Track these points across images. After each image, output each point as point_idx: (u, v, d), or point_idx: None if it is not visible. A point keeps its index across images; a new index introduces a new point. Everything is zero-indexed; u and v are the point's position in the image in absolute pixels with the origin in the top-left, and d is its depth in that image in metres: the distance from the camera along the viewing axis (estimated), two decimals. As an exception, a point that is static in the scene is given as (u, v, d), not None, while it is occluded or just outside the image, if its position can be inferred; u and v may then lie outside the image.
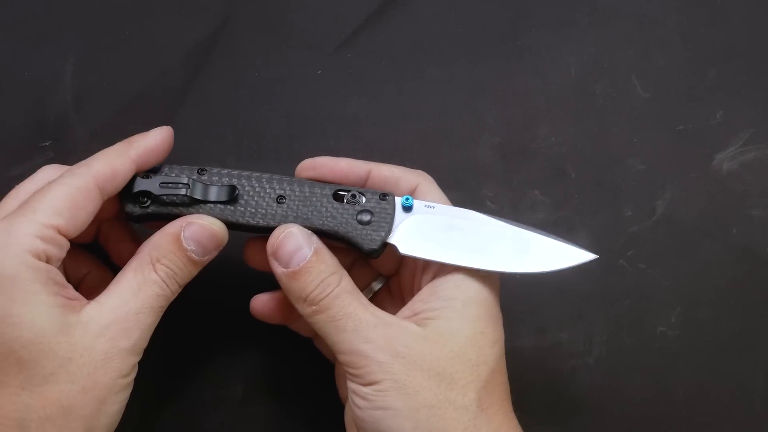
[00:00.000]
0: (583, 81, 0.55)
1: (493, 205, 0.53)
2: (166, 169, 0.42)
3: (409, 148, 0.53)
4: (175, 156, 0.43)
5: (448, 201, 0.44)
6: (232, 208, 0.42)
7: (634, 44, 0.55)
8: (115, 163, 0.40)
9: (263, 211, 0.42)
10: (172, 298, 0.40)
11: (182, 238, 0.40)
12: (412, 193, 0.43)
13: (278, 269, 0.41)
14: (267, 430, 0.49)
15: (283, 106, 0.53)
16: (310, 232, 0.41)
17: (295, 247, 0.40)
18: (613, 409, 0.50)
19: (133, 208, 0.42)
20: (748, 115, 0.55)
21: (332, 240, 0.42)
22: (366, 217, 0.42)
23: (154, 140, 0.42)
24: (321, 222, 0.42)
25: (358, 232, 0.42)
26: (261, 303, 0.45)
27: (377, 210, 0.42)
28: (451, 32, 0.55)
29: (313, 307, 0.40)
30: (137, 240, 0.45)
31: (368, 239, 0.41)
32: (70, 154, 0.44)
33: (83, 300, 0.38)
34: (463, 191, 0.52)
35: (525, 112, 0.54)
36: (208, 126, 0.52)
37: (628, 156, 0.54)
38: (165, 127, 0.42)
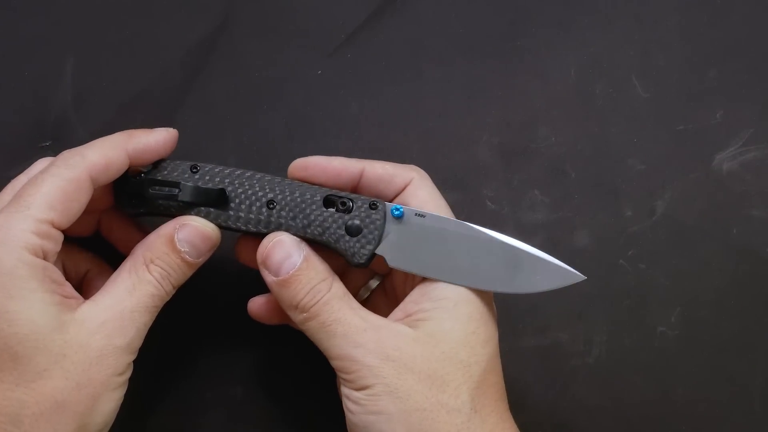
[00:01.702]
0: (583, 81, 0.55)
1: (493, 205, 0.52)
2: (161, 165, 0.42)
3: (409, 148, 0.53)
4: (175, 156, 0.43)
5: (441, 196, 0.44)
6: (223, 213, 0.42)
7: (634, 44, 0.55)
8: (109, 154, 0.40)
9: (253, 217, 0.42)
10: (167, 298, 0.40)
11: (176, 239, 0.40)
12: (406, 188, 0.43)
13: (269, 278, 0.41)
14: (267, 430, 0.49)
15: (283, 106, 0.53)
16: (299, 239, 0.41)
17: (284, 255, 0.40)
18: (613, 409, 0.50)
19: (126, 208, 0.42)
20: (748, 115, 0.54)
21: (321, 248, 0.42)
22: (355, 225, 0.41)
23: (155, 140, 0.41)
24: (310, 230, 0.41)
25: (346, 244, 0.41)
26: (257, 305, 0.45)
27: (367, 220, 0.41)
28: (451, 32, 0.55)
29: (304, 314, 0.40)
30: (140, 227, 0.45)
31: (356, 252, 0.41)
32: (70, 153, 0.44)
33: (80, 299, 0.39)
34: (463, 191, 0.52)
35: (525, 112, 0.54)
36: (208, 126, 0.52)
37: (628, 156, 0.54)
38: (170, 129, 0.42)
